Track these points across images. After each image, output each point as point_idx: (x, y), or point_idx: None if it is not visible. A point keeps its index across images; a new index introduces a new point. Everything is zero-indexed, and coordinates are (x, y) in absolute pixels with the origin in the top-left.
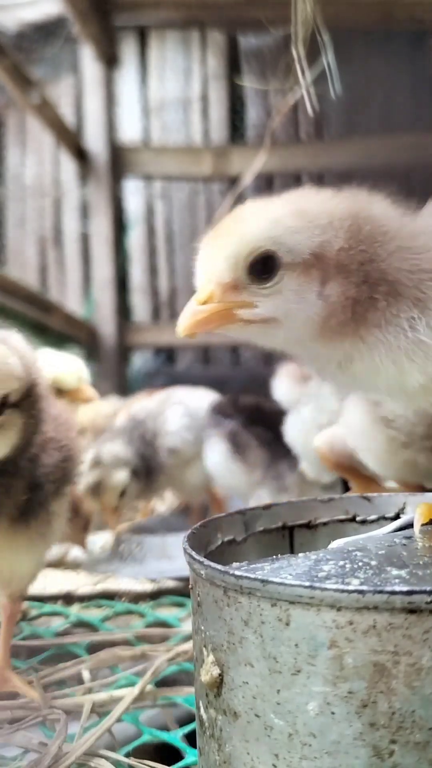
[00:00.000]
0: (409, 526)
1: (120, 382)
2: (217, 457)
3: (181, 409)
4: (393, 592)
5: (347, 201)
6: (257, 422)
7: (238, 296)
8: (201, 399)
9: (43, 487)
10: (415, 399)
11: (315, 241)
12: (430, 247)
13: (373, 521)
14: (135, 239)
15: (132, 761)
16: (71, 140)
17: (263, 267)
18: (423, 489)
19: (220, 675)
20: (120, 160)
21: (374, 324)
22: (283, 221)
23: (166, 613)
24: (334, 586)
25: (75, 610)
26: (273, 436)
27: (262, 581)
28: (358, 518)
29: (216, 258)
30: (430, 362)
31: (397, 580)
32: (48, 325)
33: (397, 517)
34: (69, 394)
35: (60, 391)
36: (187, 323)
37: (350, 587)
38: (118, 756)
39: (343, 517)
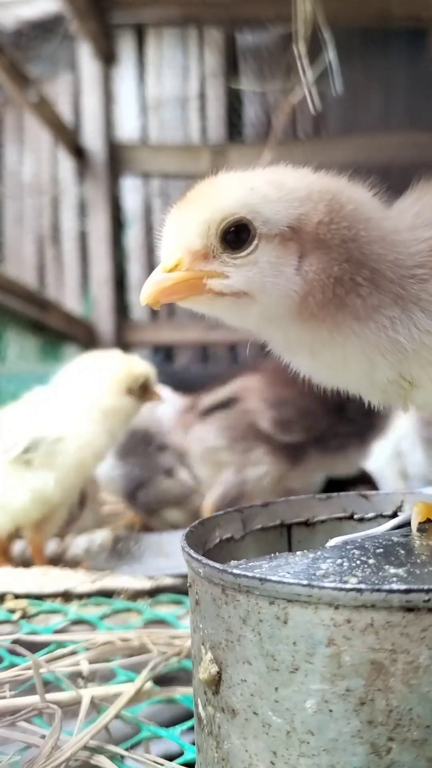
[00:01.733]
0: (407, 524)
1: None
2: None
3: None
4: (391, 591)
5: (327, 178)
6: None
7: (208, 265)
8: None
9: None
10: (384, 391)
11: (293, 212)
12: (411, 244)
13: (370, 519)
14: (133, 237)
15: (132, 755)
16: (69, 138)
17: (237, 236)
18: None
19: (218, 673)
20: (118, 158)
21: (353, 314)
22: (260, 190)
23: (165, 610)
24: (332, 585)
25: (74, 608)
26: None
27: (260, 579)
28: (355, 516)
29: (186, 223)
30: (400, 362)
31: (394, 579)
32: (46, 323)
33: (394, 515)
34: (149, 393)
35: (144, 389)
36: (151, 291)
37: (348, 585)
38: (119, 750)
39: (341, 515)
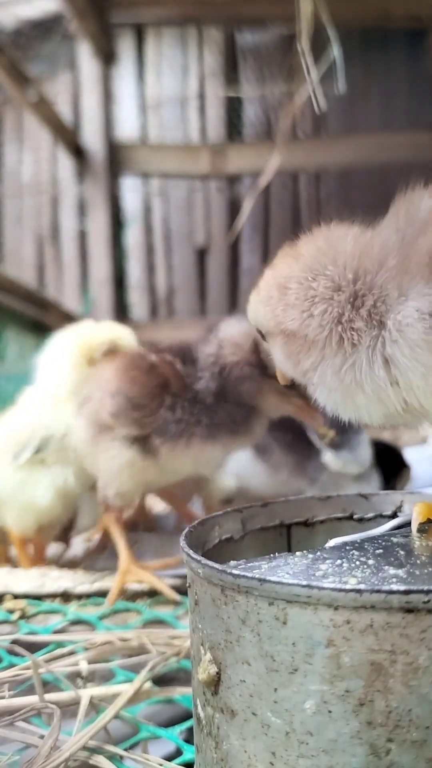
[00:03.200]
0: (407, 524)
1: None
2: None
3: None
4: (390, 592)
5: (302, 261)
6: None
7: None
8: None
9: None
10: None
11: (269, 316)
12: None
13: (370, 519)
14: (132, 237)
15: (131, 755)
16: (68, 137)
17: (263, 335)
18: None
19: (217, 673)
20: (117, 158)
21: (325, 369)
22: (256, 307)
23: (164, 610)
24: (332, 585)
25: (73, 608)
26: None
27: (260, 580)
28: (355, 516)
29: None
30: (392, 400)
31: (394, 579)
32: (45, 322)
33: (394, 515)
34: None
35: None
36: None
37: (347, 586)
38: (118, 750)
39: (340, 515)
